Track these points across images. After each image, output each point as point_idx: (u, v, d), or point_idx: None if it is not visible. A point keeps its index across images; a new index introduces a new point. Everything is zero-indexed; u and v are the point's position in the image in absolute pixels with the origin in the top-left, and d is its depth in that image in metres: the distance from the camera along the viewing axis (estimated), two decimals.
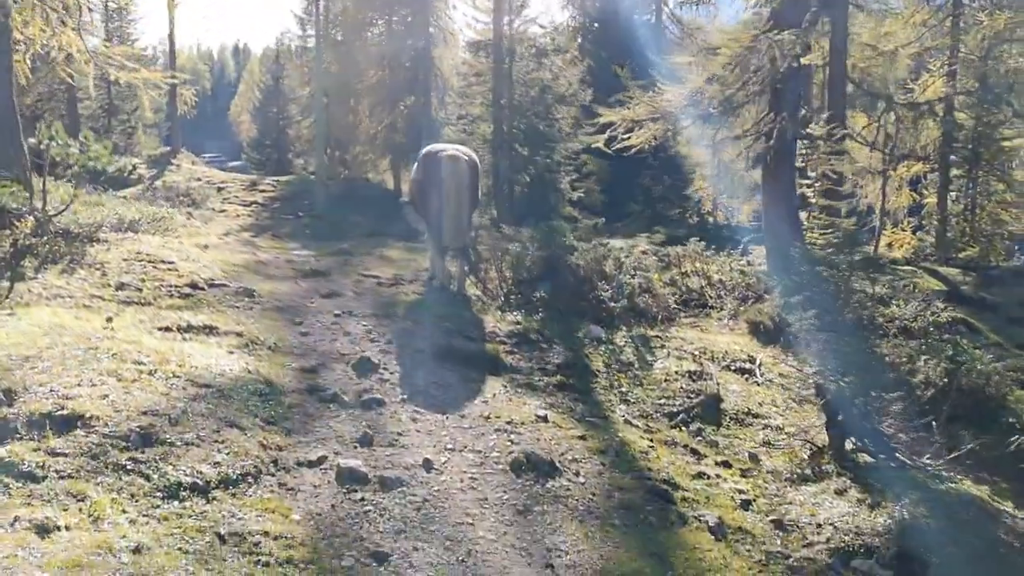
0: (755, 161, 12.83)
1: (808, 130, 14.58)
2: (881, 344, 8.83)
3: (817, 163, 14.65)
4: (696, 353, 8.97)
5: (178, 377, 6.20)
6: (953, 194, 21.46)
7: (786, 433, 7.29)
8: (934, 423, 6.80)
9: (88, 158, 10.53)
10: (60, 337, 6.57)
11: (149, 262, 9.71)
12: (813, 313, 8.68)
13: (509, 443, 6.07)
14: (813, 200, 15.41)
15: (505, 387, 7.35)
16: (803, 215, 14.68)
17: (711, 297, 11.47)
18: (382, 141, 30.75)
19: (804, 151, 14.83)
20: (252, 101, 50.10)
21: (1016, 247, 22.22)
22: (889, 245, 21.52)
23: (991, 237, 20.21)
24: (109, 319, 7.69)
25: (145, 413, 5.43)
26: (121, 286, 8.86)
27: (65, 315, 7.49)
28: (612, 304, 9.93)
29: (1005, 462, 6.93)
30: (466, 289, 10.45)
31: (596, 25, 35.12)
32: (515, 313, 9.70)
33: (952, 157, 20.48)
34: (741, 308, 10.81)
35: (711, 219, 29.30)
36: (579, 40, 34.38)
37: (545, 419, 6.59)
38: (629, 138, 14.86)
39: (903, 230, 22.33)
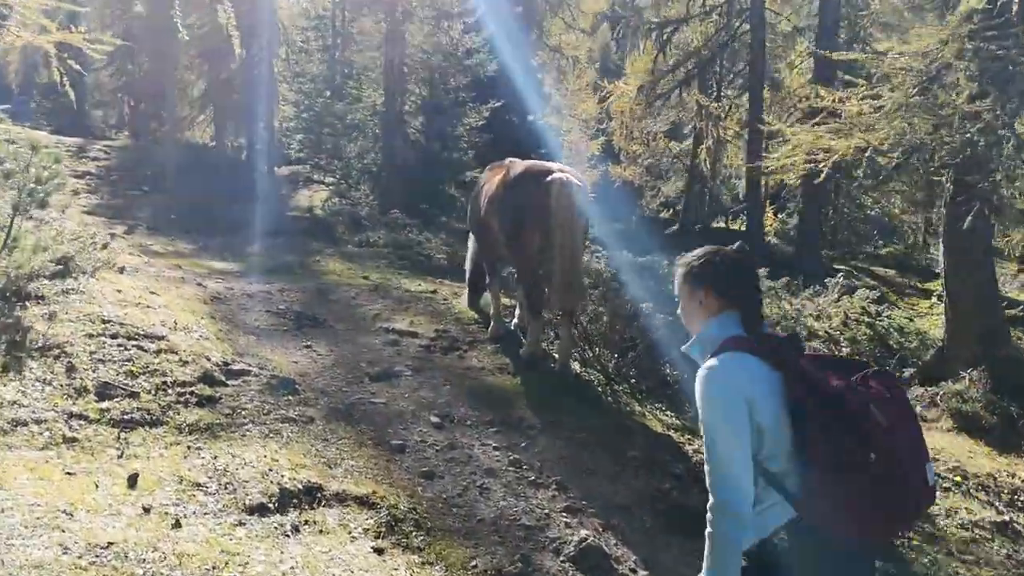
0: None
1: None
2: None
3: None
4: (959, 480, 6.66)
5: None
6: None
7: None
8: None
9: None
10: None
11: (127, 337, 6.03)
12: None
13: None
14: None
15: None
16: None
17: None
18: (208, 98, 27.46)
19: None
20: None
21: None
22: None
23: None
24: (132, 479, 4.30)
25: None
26: (104, 391, 5.26)
27: (46, 474, 4.07)
28: None
29: None
30: (571, 365, 7.52)
31: None
32: (659, 408, 7.00)
33: None
34: (920, 384, 8.52)
35: None
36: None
37: None
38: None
39: None
